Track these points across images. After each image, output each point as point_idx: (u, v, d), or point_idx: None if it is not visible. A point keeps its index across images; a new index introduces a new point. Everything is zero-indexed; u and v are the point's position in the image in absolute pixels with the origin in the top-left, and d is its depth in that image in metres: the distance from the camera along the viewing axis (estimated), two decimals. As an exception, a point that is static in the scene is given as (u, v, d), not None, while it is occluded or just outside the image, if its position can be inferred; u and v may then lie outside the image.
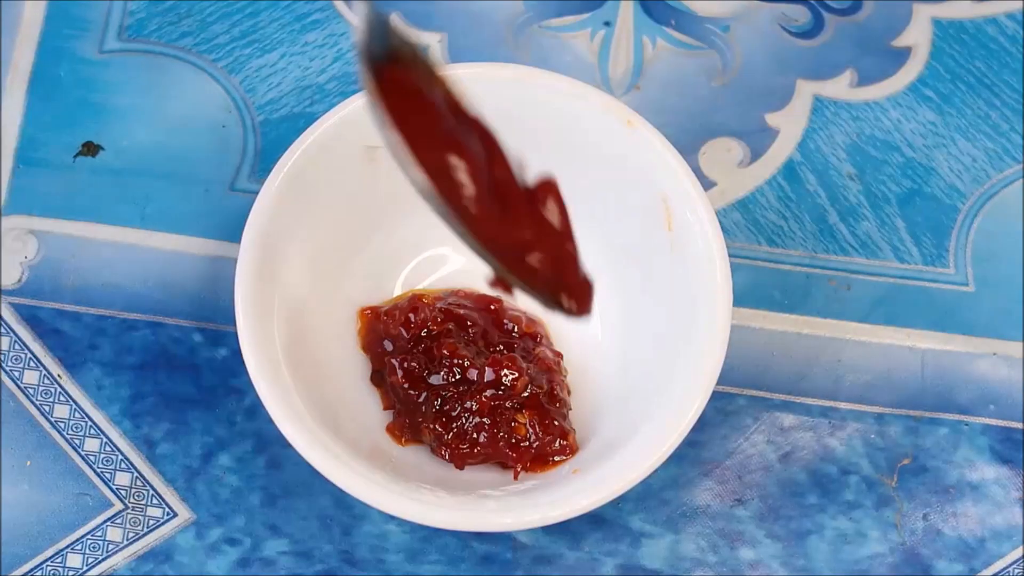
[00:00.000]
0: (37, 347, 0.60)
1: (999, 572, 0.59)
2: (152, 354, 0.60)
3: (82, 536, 0.59)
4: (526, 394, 0.57)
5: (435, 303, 0.59)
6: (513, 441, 0.57)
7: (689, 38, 0.64)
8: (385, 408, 0.59)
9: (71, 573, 0.58)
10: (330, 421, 0.55)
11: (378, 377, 0.59)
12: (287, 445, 0.54)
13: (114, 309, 0.60)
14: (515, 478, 0.57)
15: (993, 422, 0.60)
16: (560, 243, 0.49)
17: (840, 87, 0.64)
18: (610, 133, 0.57)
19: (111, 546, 0.59)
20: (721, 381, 0.56)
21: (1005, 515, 0.59)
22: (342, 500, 0.59)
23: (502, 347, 0.58)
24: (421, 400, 0.57)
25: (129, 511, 0.59)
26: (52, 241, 0.61)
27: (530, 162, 0.59)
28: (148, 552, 0.59)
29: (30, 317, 0.60)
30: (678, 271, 0.56)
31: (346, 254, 0.59)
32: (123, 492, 0.59)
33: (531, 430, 0.57)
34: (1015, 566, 0.59)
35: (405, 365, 0.57)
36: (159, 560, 0.58)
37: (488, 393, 0.56)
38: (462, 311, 0.59)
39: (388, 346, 0.58)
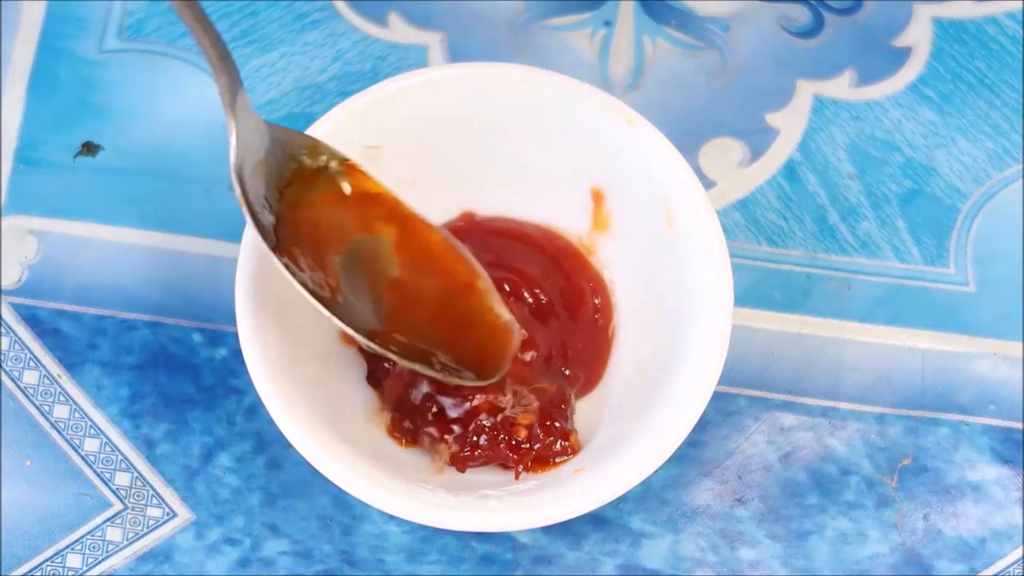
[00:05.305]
0: (37, 347, 0.60)
1: (999, 572, 0.59)
2: (152, 354, 0.60)
3: (82, 536, 0.59)
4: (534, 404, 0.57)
5: None
6: (514, 443, 0.56)
7: (689, 38, 0.64)
8: (384, 409, 0.58)
9: (71, 573, 0.58)
10: (331, 421, 0.55)
11: (374, 378, 0.59)
12: (287, 445, 0.54)
13: (114, 309, 0.60)
14: (516, 479, 0.56)
15: (993, 422, 0.60)
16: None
17: (840, 87, 0.63)
18: (611, 133, 0.57)
19: (111, 546, 0.59)
20: (721, 381, 0.56)
21: (1005, 515, 0.59)
22: (342, 500, 0.59)
23: None
24: (419, 403, 0.57)
25: (129, 511, 0.59)
26: (52, 241, 0.61)
27: (531, 163, 0.59)
28: (148, 552, 0.59)
29: (30, 317, 0.60)
30: (679, 271, 0.56)
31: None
32: (123, 492, 0.59)
33: (532, 432, 0.56)
34: (1015, 566, 0.59)
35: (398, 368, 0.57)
36: (159, 560, 0.58)
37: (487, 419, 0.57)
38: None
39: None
